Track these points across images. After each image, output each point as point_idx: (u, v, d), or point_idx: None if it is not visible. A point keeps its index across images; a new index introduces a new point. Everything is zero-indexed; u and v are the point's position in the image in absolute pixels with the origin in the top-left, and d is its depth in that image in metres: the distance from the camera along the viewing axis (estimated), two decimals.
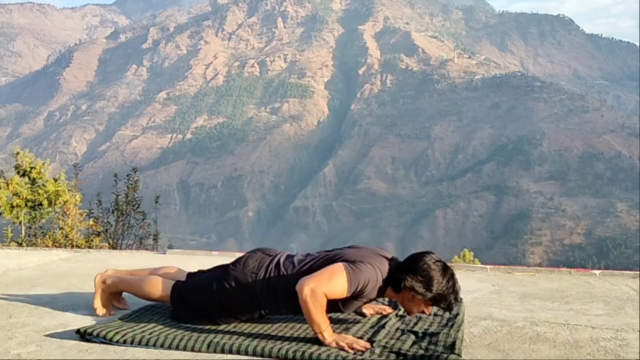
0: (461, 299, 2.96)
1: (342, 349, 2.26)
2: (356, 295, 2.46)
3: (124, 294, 2.96)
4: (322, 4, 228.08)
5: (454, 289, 2.45)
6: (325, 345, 2.30)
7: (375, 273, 2.45)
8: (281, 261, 2.62)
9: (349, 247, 2.69)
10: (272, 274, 2.57)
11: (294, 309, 2.50)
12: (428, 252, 2.55)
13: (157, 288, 2.75)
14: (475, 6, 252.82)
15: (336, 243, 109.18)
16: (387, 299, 3.01)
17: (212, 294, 2.60)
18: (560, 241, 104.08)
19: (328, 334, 2.34)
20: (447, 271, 2.46)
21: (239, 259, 2.70)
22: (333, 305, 2.47)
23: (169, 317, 2.67)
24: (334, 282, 2.38)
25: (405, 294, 2.47)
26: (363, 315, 2.76)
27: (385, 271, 2.49)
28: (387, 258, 2.55)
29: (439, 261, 2.48)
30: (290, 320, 2.69)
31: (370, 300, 2.59)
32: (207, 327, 2.55)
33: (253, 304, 2.58)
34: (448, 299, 2.45)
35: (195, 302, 2.62)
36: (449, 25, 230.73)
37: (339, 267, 2.43)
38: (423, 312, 2.52)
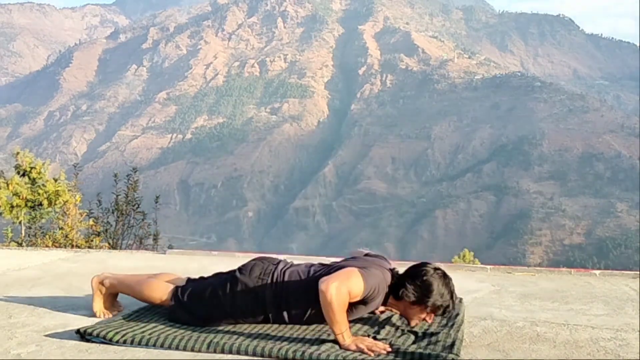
0: (461, 299, 2.98)
1: (361, 351, 2.25)
2: (365, 300, 2.49)
3: (119, 297, 2.95)
4: (322, 4, 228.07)
5: (451, 297, 2.51)
6: (344, 347, 2.29)
7: (384, 279, 2.52)
8: (287, 269, 2.64)
9: (351, 258, 2.73)
10: (279, 281, 2.59)
11: (300, 318, 2.56)
12: (427, 262, 2.63)
13: (157, 291, 2.74)
14: (475, 6, 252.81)
15: (336, 243, 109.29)
16: None
17: (217, 299, 2.59)
18: (560, 241, 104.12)
19: (348, 335, 2.34)
20: (445, 279, 2.51)
21: (245, 265, 2.69)
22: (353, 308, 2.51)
23: (167, 319, 2.66)
24: (352, 281, 2.41)
25: (406, 303, 2.52)
26: (373, 313, 2.78)
27: (389, 280, 2.55)
28: (388, 269, 2.62)
29: (438, 269, 2.55)
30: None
31: (375, 308, 2.63)
32: (207, 327, 2.55)
33: (259, 310, 2.59)
34: (446, 307, 2.51)
35: (198, 308, 2.61)
36: (449, 25, 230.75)
37: (353, 269, 2.47)
38: (425, 320, 2.55)
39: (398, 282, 2.54)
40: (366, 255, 2.78)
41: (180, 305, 2.65)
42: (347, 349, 2.28)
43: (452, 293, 2.52)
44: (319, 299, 2.38)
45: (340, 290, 2.35)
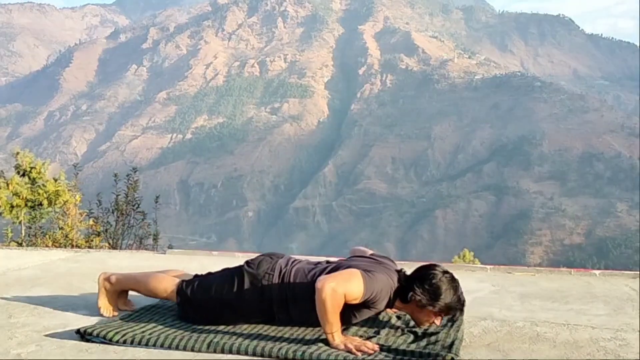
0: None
1: (349, 351, 2.27)
2: (367, 304, 2.48)
3: (129, 296, 2.94)
4: (322, 4, 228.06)
5: (459, 300, 2.51)
6: (333, 347, 2.31)
7: (388, 283, 2.50)
8: (294, 266, 2.64)
9: (357, 256, 2.72)
10: (286, 278, 2.59)
11: (305, 317, 2.54)
12: (436, 264, 2.63)
13: (164, 284, 2.74)
14: (475, 6, 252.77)
15: (336, 243, 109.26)
16: None
17: (223, 293, 2.59)
18: (560, 241, 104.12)
19: (338, 335, 2.35)
20: (454, 282, 2.51)
21: (253, 260, 2.69)
22: (346, 314, 2.47)
23: (177, 317, 2.65)
24: (352, 283, 2.39)
25: (414, 306, 2.51)
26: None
27: (395, 283, 2.53)
28: (395, 270, 2.60)
29: (447, 272, 2.53)
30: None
31: (379, 312, 2.61)
32: (207, 327, 2.54)
33: (265, 306, 2.58)
34: (454, 310, 2.51)
35: (204, 302, 2.60)
36: (449, 25, 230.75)
37: (356, 271, 2.45)
38: (433, 322, 2.54)
39: (406, 285, 2.52)
40: (371, 255, 2.76)
41: (185, 300, 2.64)
42: (335, 349, 2.29)
43: (460, 296, 2.51)
44: None
45: (336, 291, 2.33)
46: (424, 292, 2.46)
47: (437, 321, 2.54)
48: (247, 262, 2.67)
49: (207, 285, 2.66)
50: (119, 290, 2.86)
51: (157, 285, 2.74)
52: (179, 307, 2.68)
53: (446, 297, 2.46)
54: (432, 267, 2.58)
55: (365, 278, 2.42)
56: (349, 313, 2.49)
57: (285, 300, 2.56)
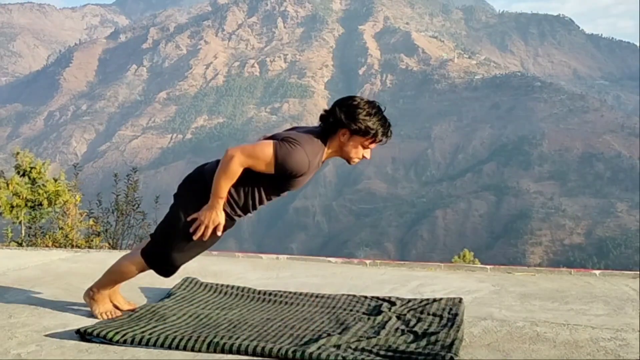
0: (461, 299, 2.98)
1: (202, 222, 2.47)
2: (288, 175, 2.47)
3: (128, 295, 2.93)
4: (322, 4, 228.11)
5: (380, 118, 2.48)
6: (206, 208, 2.47)
7: (306, 153, 2.45)
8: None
9: (292, 129, 2.69)
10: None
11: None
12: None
13: (129, 259, 2.73)
14: (475, 6, 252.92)
15: (336, 243, 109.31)
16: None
17: (174, 218, 2.61)
18: (560, 241, 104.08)
19: (219, 203, 2.47)
20: (374, 107, 2.49)
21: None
22: (278, 189, 2.56)
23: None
24: (258, 152, 2.41)
25: (339, 139, 2.50)
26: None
27: (317, 147, 2.50)
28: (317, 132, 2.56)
29: (371, 101, 2.53)
30: (291, 319, 2.69)
31: (314, 172, 2.58)
32: (207, 327, 2.53)
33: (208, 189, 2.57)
34: (376, 132, 2.48)
35: (167, 239, 2.61)
36: (449, 25, 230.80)
37: (268, 142, 2.46)
38: (364, 156, 2.55)
39: (327, 118, 2.51)
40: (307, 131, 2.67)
41: (152, 255, 2.65)
42: (203, 213, 2.47)
43: (384, 119, 2.50)
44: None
45: (237, 157, 2.41)
46: (341, 112, 2.45)
47: (367, 154, 2.54)
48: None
49: (159, 229, 2.67)
50: (105, 293, 2.80)
51: (128, 267, 2.72)
52: (154, 264, 2.67)
53: (367, 116, 2.44)
54: (352, 95, 2.57)
55: (276, 148, 2.41)
56: (282, 183, 2.52)
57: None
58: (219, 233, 2.55)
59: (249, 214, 2.69)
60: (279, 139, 2.47)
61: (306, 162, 2.45)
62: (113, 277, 2.77)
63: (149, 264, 2.67)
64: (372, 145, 2.54)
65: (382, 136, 2.50)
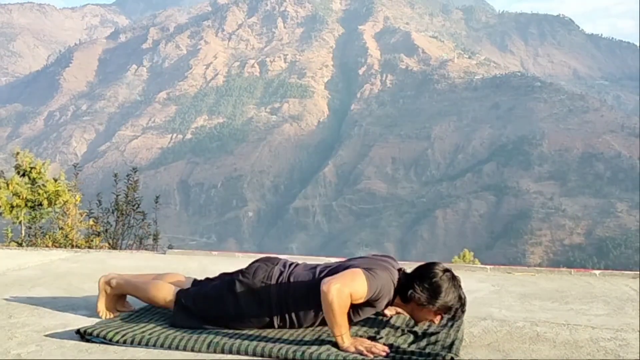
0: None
1: (360, 353, 2.24)
2: (370, 302, 2.46)
3: (127, 297, 2.93)
4: (322, 4, 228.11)
5: (460, 299, 2.47)
6: (342, 349, 2.28)
7: (389, 280, 2.47)
8: (291, 271, 2.61)
9: (358, 257, 2.70)
10: (284, 284, 2.56)
11: (305, 321, 2.54)
12: (436, 263, 2.58)
13: (163, 292, 2.72)
14: (475, 6, 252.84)
15: (336, 243, 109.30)
16: None
17: (220, 303, 2.56)
18: (560, 241, 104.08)
19: (347, 337, 2.32)
20: (454, 281, 2.49)
21: (248, 267, 2.65)
22: (349, 313, 2.45)
23: (169, 323, 2.62)
24: (356, 283, 2.37)
25: (414, 304, 2.49)
26: (383, 315, 2.73)
27: (396, 281, 2.50)
28: (396, 269, 2.58)
29: (448, 271, 2.51)
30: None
31: (381, 309, 2.59)
32: (207, 327, 2.54)
33: (264, 313, 2.55)
34: (455, 309, 2.47)
35: (202, 311, 2.58)
36: (449, 25, 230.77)
37: (358, 270, 2.42)
38: (432, 321, 2.52)
39: (406, 283, 2.49)
40: (374, 255, 2.74)
41: (182, 308, 2.61)
42: (346, 351, 2.27)
43: (461, 295, 2.48)
44: None
45: (342, 291, 2.31)
46: (424, 290, 2.43)
47: (436, 320, 2.51)
48: (241, 272, 2.63)
49: (204, 294, 2.63)
50: (118, 294, 2.85)
51: (156, 294, 2.72)
52: (174, 315, 2.63)
53: (446, 296, 2.43)
54: (432, 265, 2.54)
55: (367, 276, 2.39)
56: (351, 312, 2.46)
57: (284, 305, 2.53)
58: (381, 347, 2.31)
59: None
60: (365, 268, 2.45)
61: (389, 289, 2.47)
62: (138, 291, 2.79)
63: (177, 306, 2.64)
64: (445, 316, 2.52)
65: (458, 313, 2.49)
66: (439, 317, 2.51)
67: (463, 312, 2.52)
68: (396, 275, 2.52)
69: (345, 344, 2.29)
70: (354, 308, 2.45)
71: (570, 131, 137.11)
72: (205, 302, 2.59)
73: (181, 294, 2.66)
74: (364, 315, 2.56)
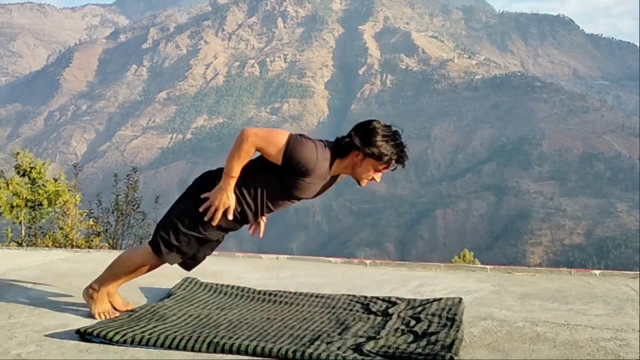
0: (461, 299, 2.98)
1: (212, 203, 2.47)
2: (295, 171, 2.46)
3: (127, 298, 2.91)
4: (322, 4, 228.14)
5: (396, 143, 2.48)
6: (216, 189, 2.47)
7: (316, 151, 2.47)
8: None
9: None
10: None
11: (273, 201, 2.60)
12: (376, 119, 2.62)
13: (137, 252, 2.75)
14: (475, 6, 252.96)
15: (336, 243, 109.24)
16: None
17: (187, 204, 2.62)
18: (560, 241, 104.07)
19: (229, 184, 2.46)
20: (390, 132, 2.49)
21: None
22: (285, 191, 2.54)
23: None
24: (272, 136, 2.43)
25: (353, 159, 2.50)
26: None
27: (328, 154, 2.51)
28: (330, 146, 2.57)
29: (388, 126, 2.52)
30: (291, 319, 2.69)
31: (322, 185, 2.58)
32: (207, 327, 2.52)
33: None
34: (390, 157, 2.47)
35: (176, 231, 2.59)
36: (449, 25, 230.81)
37: (283, 130, 2.50)
38: (373, 179, 2.54)
39: (343, 139, 2.52)
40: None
41: (163, 244, 2.61)
42: (212, 194, 2.48)
43: (401, 144, 2.49)
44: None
45: (256, 134, 2.41)
46: (357, 135, 2.47)
47: (378, 178, 2.54)
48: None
49: (166, 217, 2.68)
50: (105, 291, 2.78)
51: (132, 261, 2.72)
52: (165, 257, 2.64)
53: (381, 143, 2.44)
54: (372, 120, 2.56)
55: (291, 138, 2.44)
56: (289, 184, 2.51)
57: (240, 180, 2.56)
58: (230, 216, 2.52)
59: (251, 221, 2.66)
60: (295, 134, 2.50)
61: (314, 158, 2.44)
62: (114, 271, 2.74)
63: (155, 249, 2.63)
64: (385, 170, 2.54)
65: (396, 163, 2.51)
66: (379, 174, 2.53)
67: (400, 163, 2.51)
68: (328, 151, 2.52)
69: (224, 188, 2.46)
70: (290, 181, 2.49)
71: (570, 131, 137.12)
72: (173, 226, 2.61)
73: (152, 239, 2.67)
74: (305, 190, 2.54)
